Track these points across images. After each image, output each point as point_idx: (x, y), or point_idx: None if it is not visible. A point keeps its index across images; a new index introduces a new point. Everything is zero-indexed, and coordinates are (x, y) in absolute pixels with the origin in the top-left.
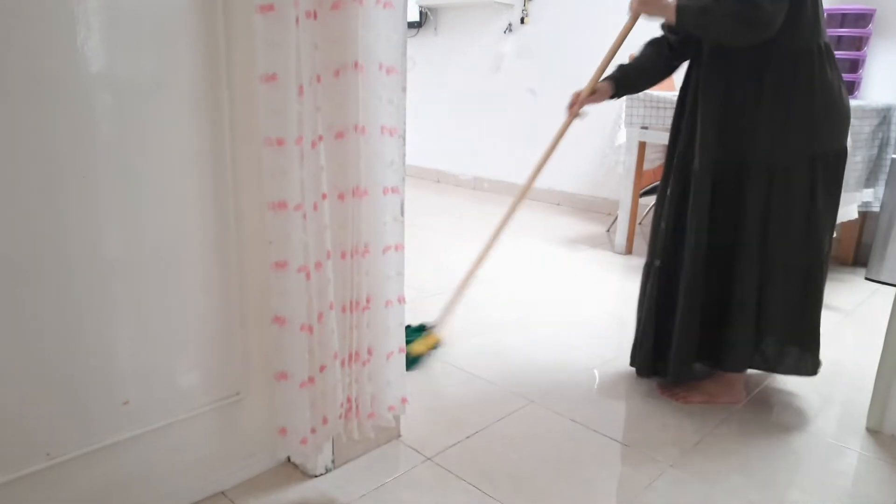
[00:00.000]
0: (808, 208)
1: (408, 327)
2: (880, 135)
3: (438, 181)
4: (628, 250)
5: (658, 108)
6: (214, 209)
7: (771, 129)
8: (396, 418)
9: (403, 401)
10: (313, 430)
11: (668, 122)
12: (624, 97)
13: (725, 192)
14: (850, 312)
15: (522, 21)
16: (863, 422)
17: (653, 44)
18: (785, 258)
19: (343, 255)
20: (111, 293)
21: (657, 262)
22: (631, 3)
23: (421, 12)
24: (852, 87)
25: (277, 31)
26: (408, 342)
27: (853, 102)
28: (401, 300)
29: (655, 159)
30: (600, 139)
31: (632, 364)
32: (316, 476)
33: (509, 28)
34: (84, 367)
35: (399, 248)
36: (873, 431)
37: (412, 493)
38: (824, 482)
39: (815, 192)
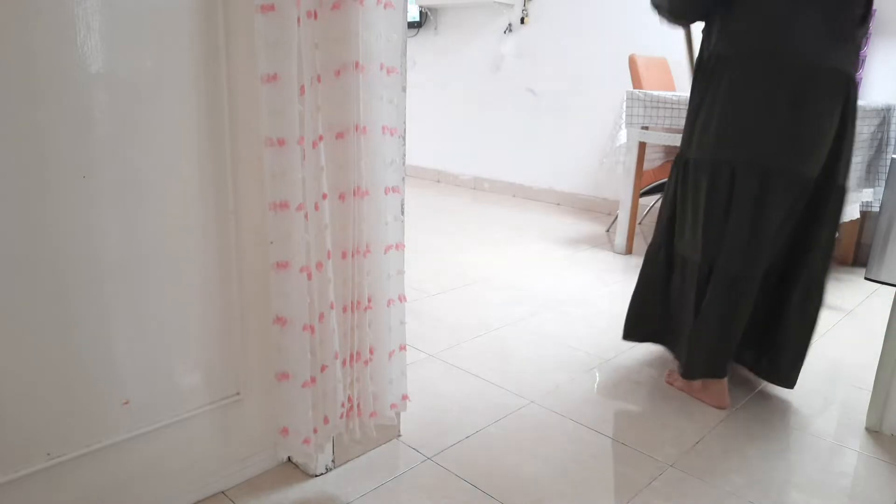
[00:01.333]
0: (671, 207)
1: None
2: (880, 135)
3: (438, 181)
4: (628, 250)
5: (658, 107)
6: (214, 209)
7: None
8: (397, 415)
9: (404, 398)
10: (315, 430)
11: (669, 122)
12: (625, 97)
13: None
14: (850, 312)
15: (522, 21)
16: (862, 421)
17: None
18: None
19: (343, 255)
20: (111, 293)
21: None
22: None
23: (421, 12)
24: None
25: (278, 31)
26: None
27: None
28: (402, 299)
29: (655, 159)
30: (600, 139)
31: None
32: (316, 476)
33: (509, 28)
34: (84, 367)
35: (400, 246)
36: (873, 431)
37: (412, 492)
38: (824, 482)
39: (675, 194)
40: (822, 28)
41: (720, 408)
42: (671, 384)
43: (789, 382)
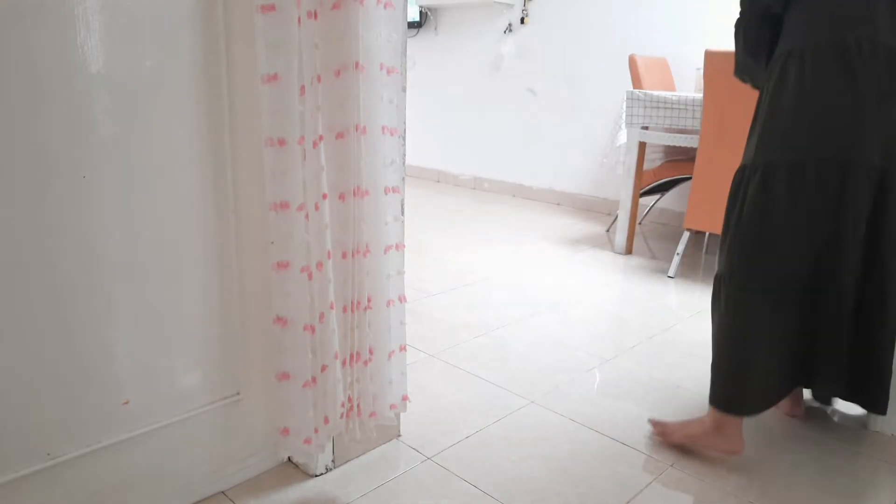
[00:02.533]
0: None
1: None
2: None
3: (438, 181)
4: (628, 250)
5: (658, 107)
6: (214, 209)
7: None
8: (397, 416)
9: (404, 398)
10: (315, 430)
11: (669, 122)
12: (625, 97)
13: None
14: None
15: (522, 21)
16: (862, 421)
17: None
18: None
19: (344, 255)
20: (111, 293)
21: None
22: None
23: (421, 12)
24: None
25: (279, 31)
26: None
27: None
28: (402, 299)
29: (655, 159)
30: (600, 139)
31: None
32: (316, 476)
33: (509, 28)
34: (84, 367)
35: (400, 247)
36: (873, 431)
37: (412, 492)
38: (824, 482)
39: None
40: (889, 9)
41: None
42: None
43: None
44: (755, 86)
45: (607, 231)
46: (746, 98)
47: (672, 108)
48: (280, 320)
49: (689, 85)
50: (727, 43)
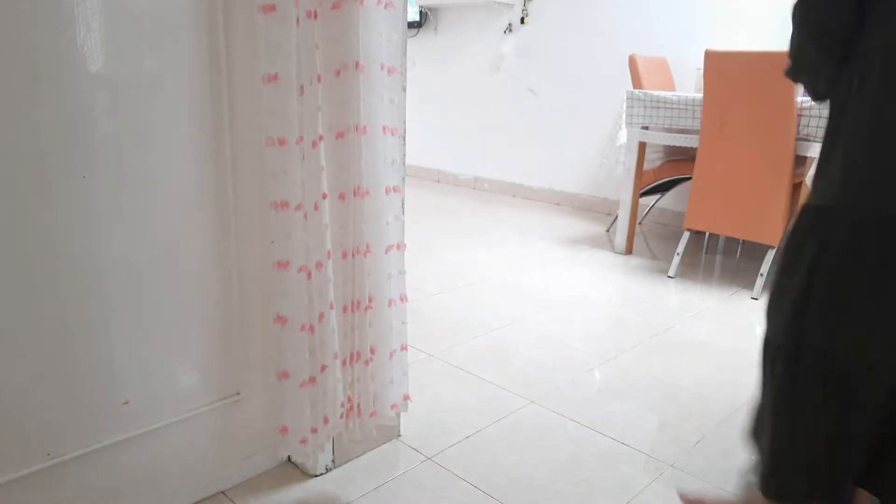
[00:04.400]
0: None
1: None
2: None
3: (438, 181)
4: (628, 250)
5: (658, 107)
6: (214, 209)
7: None
8: (397, 416)
9: (406, 398)
10: (314, 430)
11: (669, 122)
12: (625, 97)
13: None
14: None
15: (522, 21)
16: None
17: None
18: None
19: (344, 255)
20: (111, 293)
21: None
22: None
23: (421, 12)
24: None
25: (278, 31)
26: None
27: None
28: (403, 298)
29: (655, 159)
30: (600, 139)
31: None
32: (316, 475)
33: (509, 28)
34: (84, 367)
35: (401, 246)
36: None
37: (412, 492)
38: None
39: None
40: None
41: None
42: None
43: None
44: (815, 91)
45: (607, 231)
46: (746, 98)
47: (672, 108)
48: (280, 319)
49: (689, 85)
50: (727, 43)
